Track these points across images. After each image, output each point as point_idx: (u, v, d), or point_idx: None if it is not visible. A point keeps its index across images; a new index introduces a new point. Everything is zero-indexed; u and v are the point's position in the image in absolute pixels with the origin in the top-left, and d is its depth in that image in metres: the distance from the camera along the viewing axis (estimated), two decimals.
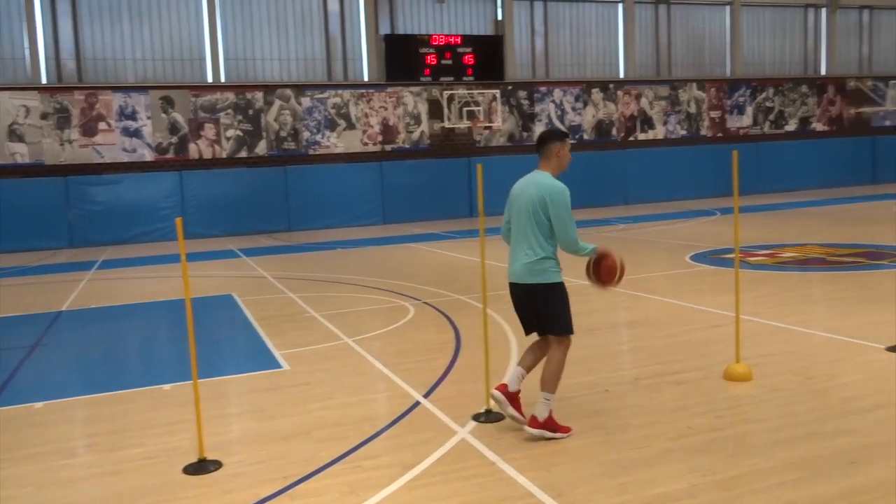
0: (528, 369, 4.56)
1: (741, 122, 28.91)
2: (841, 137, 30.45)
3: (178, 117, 22.09)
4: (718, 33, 28.60)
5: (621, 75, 27.04)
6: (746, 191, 28.11)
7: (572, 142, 24.80)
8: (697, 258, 11.72)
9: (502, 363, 6.11)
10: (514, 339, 6.98)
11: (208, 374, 6.15)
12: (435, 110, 24.57)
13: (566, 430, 4.42)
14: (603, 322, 7.61)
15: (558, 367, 4.42)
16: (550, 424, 4.36)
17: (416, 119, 24.59)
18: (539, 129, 25.94)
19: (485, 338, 5.02)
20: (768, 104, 29.29)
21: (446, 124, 24.14)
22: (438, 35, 24.31)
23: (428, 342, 7.08)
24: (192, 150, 22.25)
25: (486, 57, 24.85)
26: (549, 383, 4.39)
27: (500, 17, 25.49)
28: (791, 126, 29.79)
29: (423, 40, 24.22)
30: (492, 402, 4.68)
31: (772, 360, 5.73)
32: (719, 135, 28.54)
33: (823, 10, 30.03)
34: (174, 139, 22.07)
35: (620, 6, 26.83)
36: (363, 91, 23.92)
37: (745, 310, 7.52)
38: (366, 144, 24.04)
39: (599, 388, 5.34)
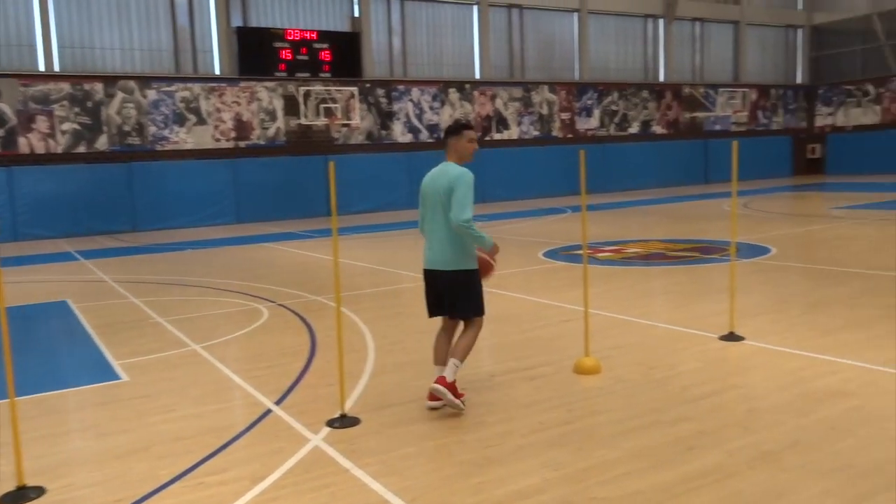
0: (452, 357, 4.80)
1: (589, 124, 30.32)
2: (677, 140, 32.67)
3: (5, 108, 20.21)
4: (568, 38, 29.85)
5: (477, 76, 27.59)
6: (594, 189, 29.50)
7: (430, 141, 24.84)
8: (550, 255, 12.12)
9: (358, 365, 5.98)
10: (371, 339, 6.87)
11: (33, 390, 5.59)
12: (291, 107, 23.99)
13: (461, 395, 4.77)
14: None
15: (471, 342, 4.81)
16: (453, 388, 4.68)
17: (272, 115, 23.90)
18: (398, 127, 25.99)
19: (338, 339, 4.88)
20: (613, 107, 30.91)
21: (303, 121, 23.63)
22: (293, 30, 23.75)
23: (282, 346, 6.83)
24: (23, 144, 20.43)
25: (343, 54, 24.56)
26: (462, 352, 4.76)
27: (356, 14, 25.26)
28: (634, 129, 31.60)
29: (278, 34, 23.57)
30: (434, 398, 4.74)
31: (618, 353, 5.97)
32: (569, 136, 29.79)
33: (661, 21, 32.08)
34: (0, 132, 20.17)
35: (475, 8, 27.38)
36: (214, 85, 22.94)
37: (593, 304, 7.81)
38: (218, 140, 23.07)
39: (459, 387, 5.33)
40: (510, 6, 28.14)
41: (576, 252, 12.27)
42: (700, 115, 33.11)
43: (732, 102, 32.16)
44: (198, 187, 22.47)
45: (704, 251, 11.69)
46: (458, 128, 4.88)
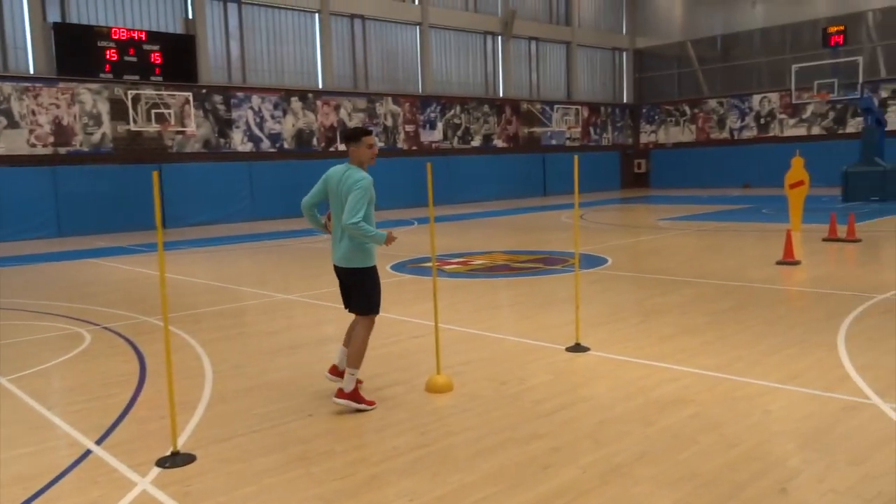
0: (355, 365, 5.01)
1: (433, 136, 30.68)
2: (517, 154, 33.83)
3: None
4: (411, 51, 30.08)
5: (320, 85, 27.10)
6: (439, 202, 29.89)
7: (272, 150, 24.00)
8: (397, 268, 11.98)
9: (194, 393, 5.50)
10: (209, 364, 6.36)
11: None
12: (119, 111, 22.36)
13: (371, 403, 4.97)
14: (307, 338, 7.30)
15: (362, 344, 5.01)
16: (355, 396, 4.92)
17: (97, 120, 22.15)
18: (238, 136, 24.97)
19: (168, 365, 4.42)
20: (456, 121, 31.49)
21: (132, 127, 22.08)
22: (120, 28, 22.18)
23: (106, 375, 6.17)
24: None
25: (176, 57, 23.24)
26: (354, 359, 4.95)
27: (190, 16, 24.03)
28: (476, 142, 32.36)
29: (102, 33, 21.91)
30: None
31: (470, 368, 5.89)
32: (414, 148, 29.97)
33: (499, 38, 33.15)
34: None
35: (317, 16, 26.91)
36: (28, 85, 20.92)
37: (443, 318, 7.74)
38: (34, 146, 21.03)
39: (302, 412, 5.01)
40: (353, 16, 27.93)
41: (423, 265, 12.22)
42: (537, 130, 34.50)
43: (566, 119, 33.79)
44: (12, 197, 20.34)
45: (547, 262, 12.03)
46: (355, 134, 5.04)
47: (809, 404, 4.72)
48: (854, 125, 31.65)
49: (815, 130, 33.44)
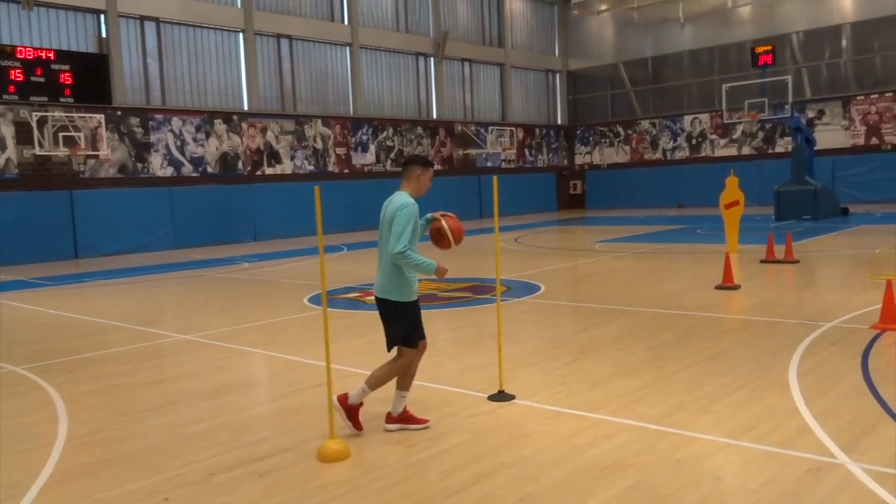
0: (406, 388, 4.92)
1: (365, 159, 29.81)
2: (452, 176, 33.21)
3: None
4: (341, 72, 29.22)
5: (245, 107, 25.98)
6: (372, 226, 28.99)
7: (195, 175, 22.83)
8: (316, 300, 11.03)
9: (32, 468, 4.46)
10: (65, 426, 5.30)
11: None
12: (25, 134, 20.82)
13: (423, 421, 4.89)
14: (185, 392, 6.25)
15: (390, 373, 4.85)
16: (355, 412, 4.78)
17: (1, 144, 20.57)
18: (156, 159, 23.61)
19: None
20: (389, 143, 30.71)
21: (38, 151, 20.56)
22: (27, 47, 20.71)
23: None
24: None
25: (88, 77, 21.81)
26: (374, 381, 4.83)
27: (103, 34, 22.70)
28: None
29: (7, 52, 20.39)
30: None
31: (377, 425, 5.01)
32: (346, 171, 29.04)
33: (432, 59, 32.62)
34: None
35: (241, 35, 25.85)
36: None
37: (354, 360, 6.86)
38: None
39: (157, 495, 4.04)
40: (279, 36, 26.96)
41: (345, 296, 11.31)
42: (472, 151, 34.01)
43: (501, 140, 33.39)
44: None
45: (477, 290, 11.25)
46: (426, 161, 4.98)
47: (767, 467, 4.00)
48: (783, 145, 32.13)
49: (746, 150, 33.85)
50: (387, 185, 30.04)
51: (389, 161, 30.75)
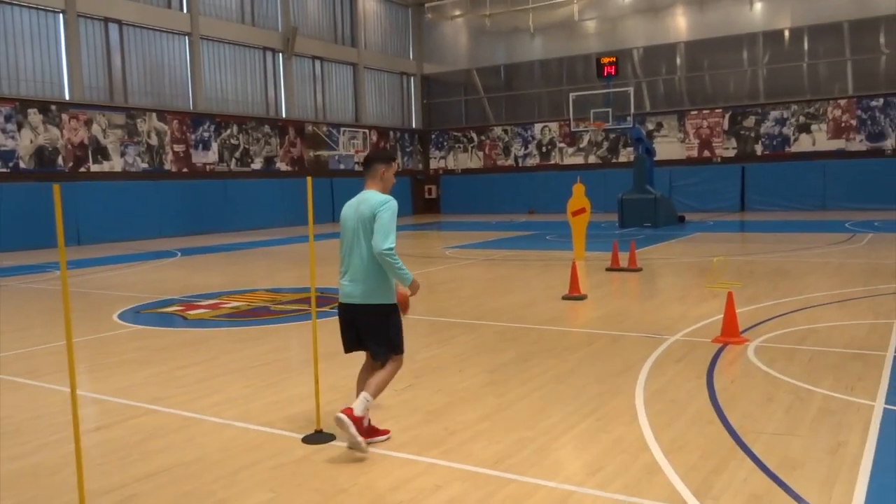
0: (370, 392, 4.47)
1: (207, 157, 27.94)
2: (302, 178, 31.88)
3: None
4: (179, 63, 27.20)
5: (66, 97, 23.48)
6: (214, 229, 27.19)
7: (4, 171, 20.23)
8: (126, 316, 9.69)
9: None
10: None
11: None
12: None
13: (378, 433, 4.57)
14: None
15: (387, 380, 4.51)
16: (359, 423, 4.28)
17: None
18: None
19: None
20: (234, 141, 28.99)
21: None
22: None
23: None
24: None
25: None
26: (375, 388, 4.43)
27: None
28: (257, 164, 30.02)
29: None
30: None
31: (150, 487, 4.03)
32: (185, 170, 27.05)
33: (280, 55, 31.18)
34: None
35: (61, 17, 23.33)
36: None
37: (154, 393, 5.80)
38: None
39: None
40: (106, 20, 24.61)
41: (163, 310, 10.03)
42: (324, 153, 32.86)
43: (354, 142, 32.48)
44: None
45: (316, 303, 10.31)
46: (390, 157, 4.69)
47: None
48: (626, 154, 33.43)
49: (592, 159, 34.95)
50: (232, 186, 28.36)
51: (234, 160, 29.02)
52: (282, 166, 31.10)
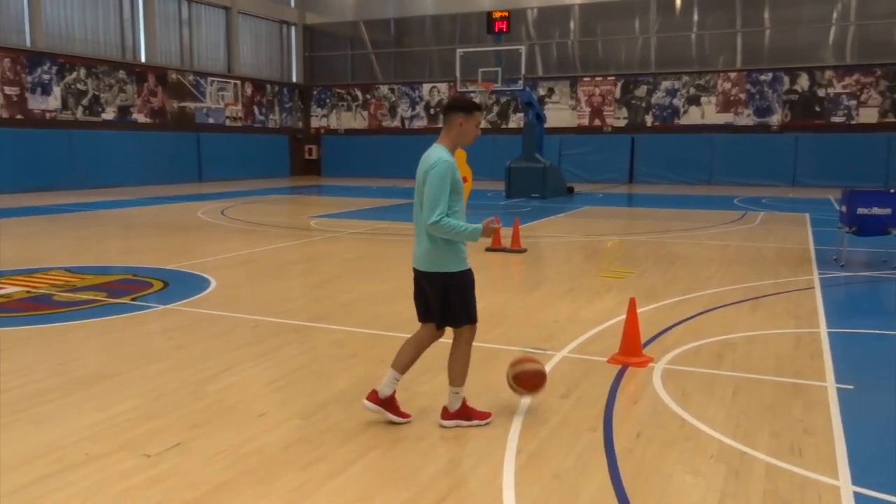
0: (403, 371, 4.24)
1: (47, 103, 24.37)
2: (165, 131, 28.70)
3: None
4: None
5: None
6: (55, 186, 23.85)
7: None
8: None
9: None
10: None
11: None
12: None
13: (484, 415, 4.23)
14: None
15: (465, 361, 4.20)
16: (465, 413, 4.18)
17: None
18: None
19: None
20: (80, 86, 25.47)
21: None
22: None
23: None
24: None
25: None
26: (459, 378, 4.20)
27: None
28: (109, 114, 26.61)
29: None
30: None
31: None
32: (19, 116, 23.46)
33: None
34: None
35: None
36: None
37: None
38: None
39: None
40: None
41: None
42: (191, 105, 29.66)
43: (223, 94, 29.45)
44: None
45: (114, 291, 8.10)
46: (473, 106, 4.12)
47: None
48: (516, 121, 32.08)
49: (482, 124, 33.34)
50: (77, 138, 24.90)
51: (81, 108, 25.53)
52: (139, 118, 27.76)
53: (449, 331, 4.31)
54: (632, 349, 5.44)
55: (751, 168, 28.56)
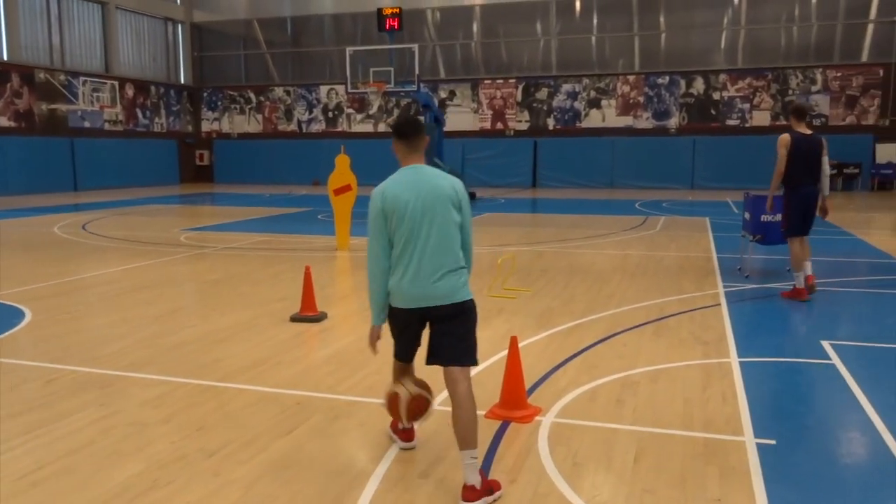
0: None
1: None
2: (32, 136, 26.18)
3: None
4: None
5: None
6: None
7: None
8: None
9: None
10: None
11: None
12: None
13: (498, 485, 3.44)
14: None
15: (475, 410, 3.45)
16: (488, 486, 3.36)
17: None
18: None
19: None
20: None
21: None
22: None
23: None
24: None
25: None
26: (473, 436, 3.38)
27: None
28: None
29: None
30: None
31: None
32: None
33: None
34: None
35: None
36: None
37: None
38: None
39: None
40: None
41: None
42: (62, 107, 27.19)
43: (98, 95, 27.14)
44: None
45: None
46: (421, 126, 3.58)
47: None
48: None
49: (382, 127, 32.24)
50: None
51: None
52: (2, 121, 25.16)
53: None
54: (514, 400, 4.42)
55: (651, 171, 28.56)
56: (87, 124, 28.54)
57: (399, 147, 3.51)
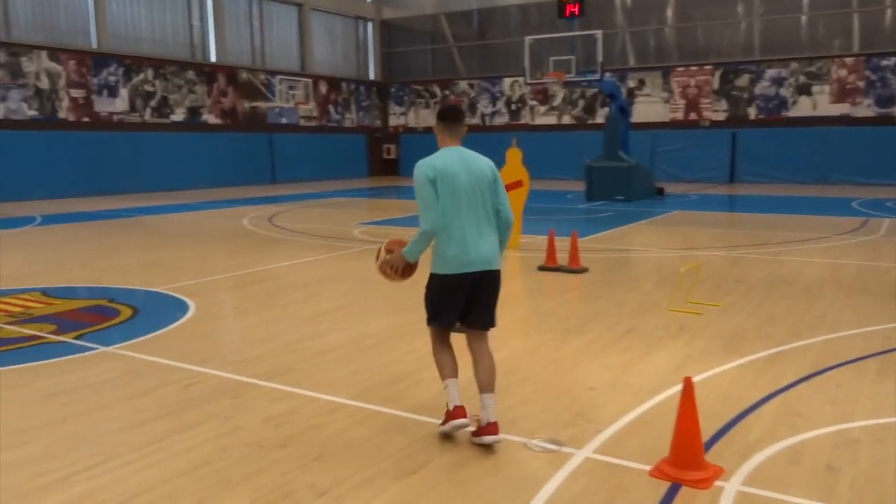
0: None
1: (115, 106, 24.04)
2: (237, 132, 28.09)
3: None
4: None
5: None
6: (122, 189, 23.52)
7: None
8: None
9: None
10: None
11: None
12: None
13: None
14: None
15: (493, 359, 4.06)
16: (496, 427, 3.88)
17: None
18: None
19: None
20: (148, 88, 25.06)
21: None
22: None
23: None
24: None
25: None
26: (494, 381, 3.98)
27: None
28: (178, 116, 26.14)
29: None
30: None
31: None
32: (86, 119, 23.19)
33: None
34: None
35: None
36: None
37: None
38: None
39: None
40: None
41: None
42: (262, 105, 28.94)
43: (293, 93, 28.55)
44: None
45: (70, 322, 6.77)
46: (462, 114, 4.07)
47: None
48: (604, 115, 29.72)
49: (566, 119, 31.22)
50: (146, 140, 24.48)
51: (149, 110, 25.14)
52: (210, 118, 27.21)
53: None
54: (687, 457, 3.52)
55: (872, 165, 25.16)
56: (283, 120, 30.20)
57: (441, 129, 3.98)
